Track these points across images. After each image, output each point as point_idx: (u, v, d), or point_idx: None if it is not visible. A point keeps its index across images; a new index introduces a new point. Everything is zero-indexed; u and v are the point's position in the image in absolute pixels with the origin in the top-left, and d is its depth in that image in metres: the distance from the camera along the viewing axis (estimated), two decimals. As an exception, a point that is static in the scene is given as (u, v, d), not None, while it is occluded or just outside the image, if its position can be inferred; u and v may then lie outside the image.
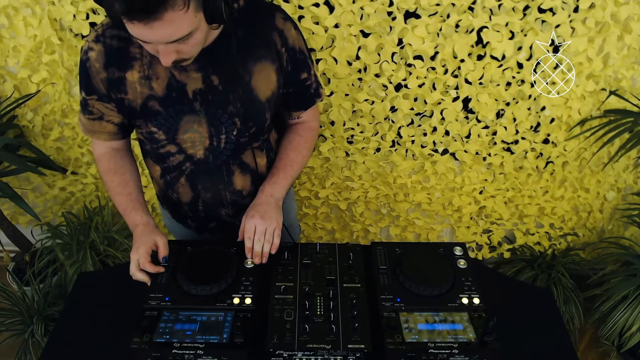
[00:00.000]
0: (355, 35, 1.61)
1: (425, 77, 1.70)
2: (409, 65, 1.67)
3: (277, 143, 1.31)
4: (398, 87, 1.74)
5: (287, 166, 1.24)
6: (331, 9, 1.56)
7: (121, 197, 1.22)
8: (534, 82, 1.72)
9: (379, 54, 1.66)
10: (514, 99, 1.77)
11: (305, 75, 1.19)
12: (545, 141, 1.91)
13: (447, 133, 1.88)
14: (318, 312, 1.04)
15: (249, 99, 1.12)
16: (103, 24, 1.06)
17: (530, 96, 1.76)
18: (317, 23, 1.58)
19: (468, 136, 1.88)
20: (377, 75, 1.70)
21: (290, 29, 1.12)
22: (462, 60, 1.67)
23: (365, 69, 1.70)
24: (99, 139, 1.19)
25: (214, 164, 1.20)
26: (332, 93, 1.75)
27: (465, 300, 1.06)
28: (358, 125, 1.84)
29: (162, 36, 0.88)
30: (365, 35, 1.62)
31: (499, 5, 1.56)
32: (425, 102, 1.77)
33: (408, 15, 1.58)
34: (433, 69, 1.69)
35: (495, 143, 1.90)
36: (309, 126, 1.30)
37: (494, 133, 1.87)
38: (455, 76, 1.71)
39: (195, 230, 1.38)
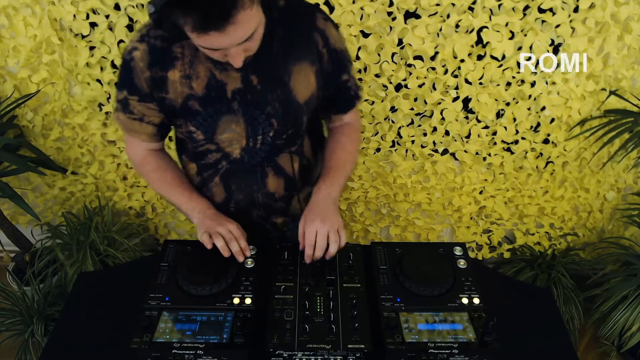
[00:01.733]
0: (355, 36, 1.61)
1: (425, 77, 1.70)
2: (409, 65, 1.67)
3: (311, 150, 1.30)
4: (398, 87, 1.74)
5: (340, 166, 1.22)
6: (331, 9, 1.56)
7: (180, 189, 1.22)
8: (534, 82, 1.72)
9: (379, 54, 1.66)
10: (514, 99, 1.77)
11: (346, 76, 1.18)
12: (545, 141, 1.91)
13: (447, 133, 1.88)
14: (318, 312, 1.04)
15: (287, 100, 1.11)
16: (146, 25, 1.07)
17: (530, 96, 1.76)
18: (317, 23, 1.58)
19: (468, 136, 1.88)
20: (377, 75, 1.70)
21: (331, 29, 1.11)
22: (462, 60, 1.67)
23: (365, 69, 1.70)
24: (138, 139, 1.19)
25: (249, 164, 1.19)
26: (332, 93, 1.75)
27: (465, 300, 1.06)
28: (358, 125, 1.85)
29: (236, 39, 0.89)
30: (365, 35, 1.62)
31: (499, 5, 1.56)
32: (425, 102, 1.77)
33: (408, 15, 1.58)
34: (433, 69, 1.69)
35: (495, 143, 1.90)
36: (352, 127, 1.29)
37: (494, 133, 1.87)
38: (455, 76, 1.71)
39: None
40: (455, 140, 1.90)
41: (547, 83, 1.73)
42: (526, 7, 1.57)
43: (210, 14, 0.83)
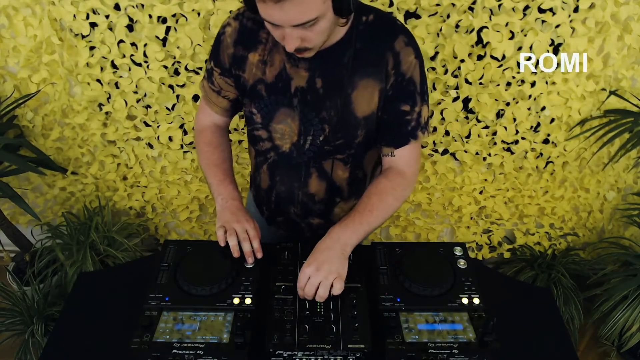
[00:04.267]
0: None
1: (425, 77, 1.70)
2: (409, 65, 1.67)
3: (372, 165, 1.27)
4: (398, 87, 1.74)
5: (366, 211, 1.11)
6: (331, 9, 1.56)
7: (217, 169, 1.24)
8: (534, 82, 1.72)
9: (379, 54, 1.66)
10: (514, 99, 1.77)
11: (406, 107, 1.11)
12: (545, 141, 1.91)
13: (447, 133, 1.88)
14: (318, 312, 1.04)
15: (344, 111, 1.11)
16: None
17: (530, 96, 1.76)
18: (317, 23, 1.58)
19: (468, 136, 1.88)
20: (377, 75, 1.70)
21: (409, 55, 1.07)
22: (462, 60, 1.67)
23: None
24: (212, 109, 1.25)
25: (295, 160, 1.20)
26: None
27: (465, 300, 1.06)
28: (358, 125, 1.84)
29: (290, 17, 0.89)
30: (365, 35, 1.62)
31: (499, 5, 1.56)
32: (425, 102, 1.77)
33: (408, 15, 1.58)
34: (433, 69, 1.69)
35: (495, 143, 1.90)
36: (399, 172, 1.16)
37: (494, 133, 1.87)
38: (455, 76, 1.71)
39: (267, 219, 1.40)
40: (455, 140, 1.90)
41: (547, 83, 1.73)
42: (526, 7, 1.57)
43: None
